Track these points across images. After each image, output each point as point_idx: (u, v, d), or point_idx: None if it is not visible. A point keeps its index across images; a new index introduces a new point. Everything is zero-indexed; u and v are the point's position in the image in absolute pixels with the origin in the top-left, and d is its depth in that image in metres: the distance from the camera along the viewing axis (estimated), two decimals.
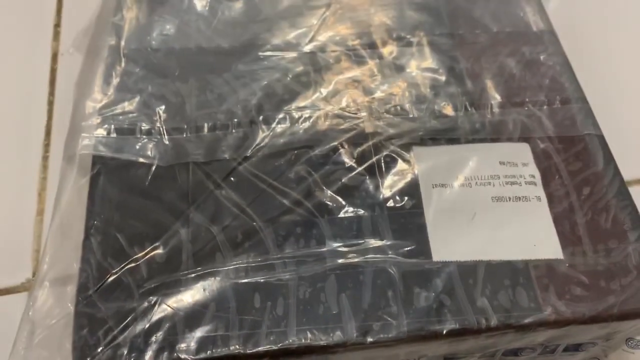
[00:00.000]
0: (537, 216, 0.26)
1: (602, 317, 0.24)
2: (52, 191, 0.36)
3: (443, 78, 0.30)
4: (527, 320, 0.24)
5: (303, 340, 0.23)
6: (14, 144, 0.38)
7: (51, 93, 0.41)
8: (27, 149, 0.38)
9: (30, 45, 0.43)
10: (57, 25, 0.44)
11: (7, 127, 0.39)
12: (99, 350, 0.23)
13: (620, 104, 0.39)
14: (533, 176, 0.27)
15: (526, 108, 0.29)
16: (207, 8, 0.33)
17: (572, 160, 0.28)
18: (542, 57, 0.31)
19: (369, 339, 0.23)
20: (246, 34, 0.32)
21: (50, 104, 0.40)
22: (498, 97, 0.30)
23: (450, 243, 0.25)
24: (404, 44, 0.32)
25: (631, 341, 0.26)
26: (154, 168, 0.27)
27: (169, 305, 0.24)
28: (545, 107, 0.30)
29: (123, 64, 0.31)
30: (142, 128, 0.29)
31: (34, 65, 0.42)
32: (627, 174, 0.28)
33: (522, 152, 0.28)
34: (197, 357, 0.23)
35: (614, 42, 0.42)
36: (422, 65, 0.31)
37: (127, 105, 0.29)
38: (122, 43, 0.32)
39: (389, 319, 0.24)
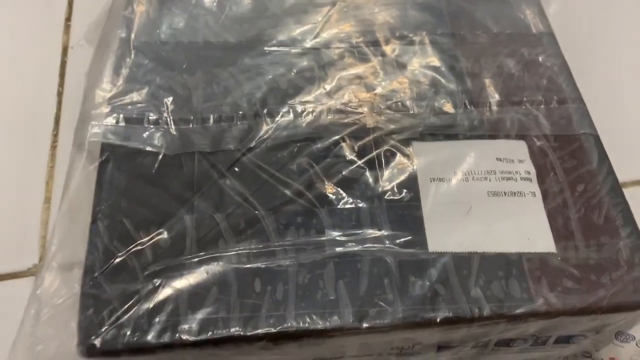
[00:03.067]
0: (531, 211, 0.27)
1: (591, 309, 0.25)
2: (59, 180, 0.37)
3: (443, 76, 0.31)
4: (519, 311, 0.24)
5: (301, 324, 0.24)
6: (23, 133, 0.39)
7: (61, 85, 0.42)
8: (36, 139, 0.39)
9: (41, 39, 0.44)
10: (68, 19, 0.45)
11: (17, 117, 0.40)
12: (104, 329, 0.24)
13: (616, 106, 0.40)
14: (528, 172, 0.28)
15: (524, 107, 0.30)
16: (215, 4, 0.34)
17: (567, 158, 0.29)
18: (540, 58, 0.32)
19: (365, 324, 0.24)
20: (253, 29, 0.33)
21: (60, 95, 0.41)
22: (497, 96, 0.31)
23: (446, 235, 0.26)
24: (407, 42, 0.32)
25: (621, 335, 0.27)
26: (160, 157, 0.28)
27: (172, 288, 0.25)
28: (542, 106, 0.30)
29: (133, 56, 0.32)
30: (150, 118, 0.29)
31: (44, 58, 0.43)
32: (620, 174, 0.29)
33: (518, 149, 0.29)
34: (199, 338, 0.24)
35: (611, 46, 0.43)
36: (423, 64, 0.32)
37: (136, 96, 0.30)
38: (132, 36, 0.32)
39: (384, 305, 0.24)
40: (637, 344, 0.27)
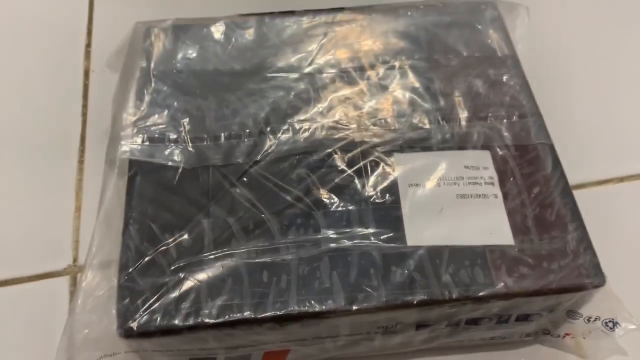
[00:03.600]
0: (493, 210, 0.31)
1: (543, 290, 0.29)
2: (88, 190, 0.41)
3: (420, 96, 0.35)
4: (482, 293, 0.28)
5: (302, 308, 0.28)
6: (52, 150, 0.43)
7: (84, 105, 0.45)
8: (64, 155, 0.42)
9: (64, 63, 0.47)
10: (88, 45, 0.49)
11: (46, 135, 0.43)
12: (138, 315, 0.28)
13: (569, 118, 0.44)
14: (492, 178, 0.32)
15: (489, 121, 0.34)
16: (222, 36, 0.37)
17: (526, 165, 0.32)
18: (504, 78, 0.36)
19: (354, 307, 0.28)
20: (256, 58, 0.36)
21: (84, 115, 0.45)
22: (465, 112, 0.34)
23: (422, 231, 0.30)
24: (388, 67, 0.36)
25: (572, 313, 0.31)
26: (180, 170, 0.32)
27: (194, 280, 0.29)
28: (505, 120, 0.34)
29: (153, 84, 0.35)
30: (170, 137, 0.33)
31: (68, 81, 0.46)
32: (571, 178, 0.33)
33: (483, 158, 0.33)
34: (217, 320, 0.27)
35: (569, 66, 0.47)
36: (403, 85, 0.35)
37: (158, 119, 0.34)
38: (152, 65, 0.36)
39: (370, 291, 0.28)
40: (584, 320, 0.31)
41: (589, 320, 0.31)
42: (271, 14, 0.39)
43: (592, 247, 0.30)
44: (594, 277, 0.29)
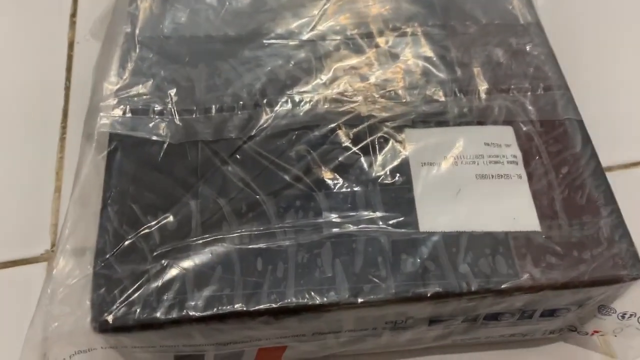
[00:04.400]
0: (517, 192, 0.28)
1: (573, 283, 0.26)
2: (69, 170, 0.39)
3: (435, 66, 0.32)
4: (505, 286, 0.26)
5: (300, 300, 0.25)
6: (32, 126, 0.41)
7: (67, 79, 0.43)
8: (45, 131, 0.40)
9: (47, 35, 0.45)
10: (73, 15, 0.46)
11: (26, 110, 0.41)
12: (115, 306, 0.25)
13: (601, 92, 0.41)
14: (515, 156, 0.29)
15: (511, 94, 0.31)
16: None
17: (552, 142, 0.30)
18: (527, 48, 0.33)
19: (360, 299, 0.25)
20: (252, 23, 0.34)
21: (67, 89, 0.42)
22: (485, 84, 0.32)
23: (436, 215, 0.27)
24: (399, 34, 0.33)
25: (603, 308, 0.28)
26: (165, 145, 0.29)
27: (179, 268, 0.26)
28: (529, 93, 0.31)
29: (138, 50, 0.33)
30: (155, 109, 0.30)
31: (51, 53, 0.44)
32: (603, 158, 0.30)
33: (505, 134, 0.30)
34: (204, 314, 0.25)
35: (597, 35, 0.44)
36: (415, 54, 0.33)
37: (142, 88, 0.31)
38: (137, 31, 0.33)
39: (378, 281, 0.26)
40: (618, 317, 0.28)
41: (623, 317, 0.28)
42: None
43: (628, 235, 0.27)
44: (631, 269, 0.26)
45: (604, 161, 0.30)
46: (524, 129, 0.30)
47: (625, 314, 0.28)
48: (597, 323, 0.30)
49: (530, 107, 0.31)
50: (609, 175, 0.29)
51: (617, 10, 0.46)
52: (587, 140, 0.30)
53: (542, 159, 0.29)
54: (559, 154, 0.30)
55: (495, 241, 0.27)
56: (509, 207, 0.28)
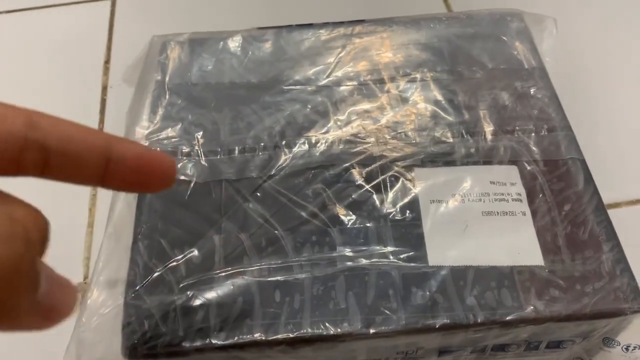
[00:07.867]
0: (521, 228, 0.29)
1: (576, 315, 0.27)
2: (101, 207, 0.41)
3: (443, 109, 0.34)
4: (509, 317, 0.27)
5: (315, 330, 0.27)
6: None
7: (101, 121, 0.46)
8: None
9: (83, 79, 0.48)
10: (107, 61, 0.50)
11: None
12: (144, 335, 0.27)
13: (603, 131, 0.42)
14: (519, 194, 0.31)
15: (516, 135, 0.33)
16: (239, 48, 0.37)
17: (556, 181, 0.31)
18: (532, 91, 0.35)
19: (372, 330, 0.27)
20: (272, 71, 0.36)
21: (100, 130, 0.45)
22: (491, 126, 0.33)
23: (445, 250, 0.29)
24: (409, 79, 0.35)
25: (608, 341, 0.29)
26: (192, 184, 0.31)
27: (203, 299, 0.28)
28: (533, 134, 0.33)
29: (167, 97, 0.35)
30: (183, 151, 0.33)
31: (86, 97, 0.47)
32: (605, 195, 0.31)
33: (510, 173, 0.31)
34: (226, 342, 0.26)
35: (599, 78, 0.46)
36: (424, 98, 0.34)
37: (171, 132, 0.33)
38: (167, 78, 0.36)
39: (389, 313, 0.27)
40: (622, 349, 0.29)
41: (627, 349, 0.29)
42: (289, 26, 0.39)
43: (629, 269, 0.28)
44: (633, 302, 0.27)
45: (612, 198, 0.31)
46: (529, 168, 0.32)
47: (629, 346, 0.29)
48: (603, 355, 0.30)
49: (534, 148, 0.32)
50: (617, 212, 0.30)
51: (617, 52, 0.48)
52: (589, 178, 0.31)
53: (545, 196, 0.31)
54: (562, 192, 0.31)
55: (500, 275, 0.28)
56: (513, 242, 0.29)
